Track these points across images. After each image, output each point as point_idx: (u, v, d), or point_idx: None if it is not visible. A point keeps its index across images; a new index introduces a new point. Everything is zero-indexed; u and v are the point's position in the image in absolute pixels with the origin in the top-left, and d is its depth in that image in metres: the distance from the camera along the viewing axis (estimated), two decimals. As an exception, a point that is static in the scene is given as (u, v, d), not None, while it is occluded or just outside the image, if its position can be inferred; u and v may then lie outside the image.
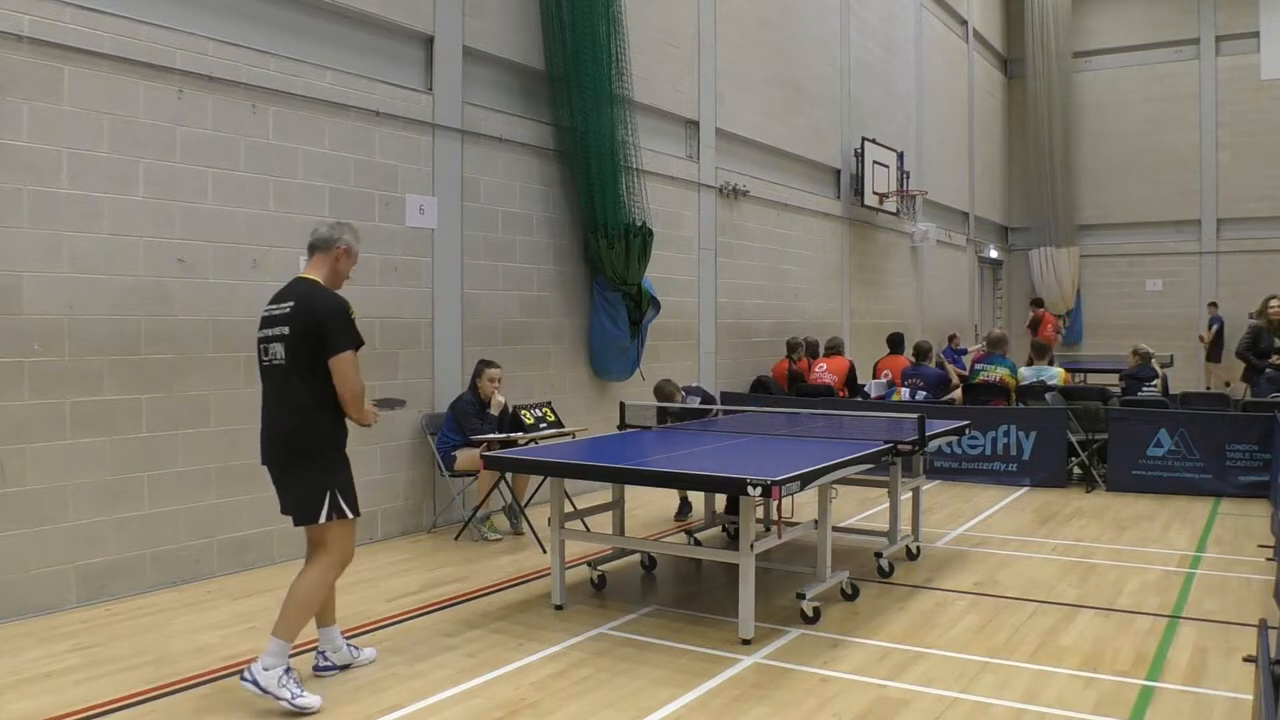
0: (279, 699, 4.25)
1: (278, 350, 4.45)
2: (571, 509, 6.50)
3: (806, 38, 14.59)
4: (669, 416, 8.02)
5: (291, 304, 4.46)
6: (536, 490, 8.07)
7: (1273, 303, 11.24)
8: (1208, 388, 17.83)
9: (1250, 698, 4.20)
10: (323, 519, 4.44)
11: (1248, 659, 3.72)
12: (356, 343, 4.45)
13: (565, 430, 7.97)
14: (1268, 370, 10.87)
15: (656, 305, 10.20)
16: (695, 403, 8.62)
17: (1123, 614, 5.70)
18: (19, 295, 5.60)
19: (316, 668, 4.74)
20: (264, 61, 6.85)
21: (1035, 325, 19.61)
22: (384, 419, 4.88)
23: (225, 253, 6.63)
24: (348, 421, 4.58)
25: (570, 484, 6.77)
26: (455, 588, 6.30)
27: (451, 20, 8.33)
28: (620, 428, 7.62)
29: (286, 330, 4.41)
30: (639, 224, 9.73)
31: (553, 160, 9.47)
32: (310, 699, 4.31)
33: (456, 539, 7.67)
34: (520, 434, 7.63)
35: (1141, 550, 7.33)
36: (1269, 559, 6.89)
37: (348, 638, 4.99)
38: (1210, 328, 19.69)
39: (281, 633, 4.34)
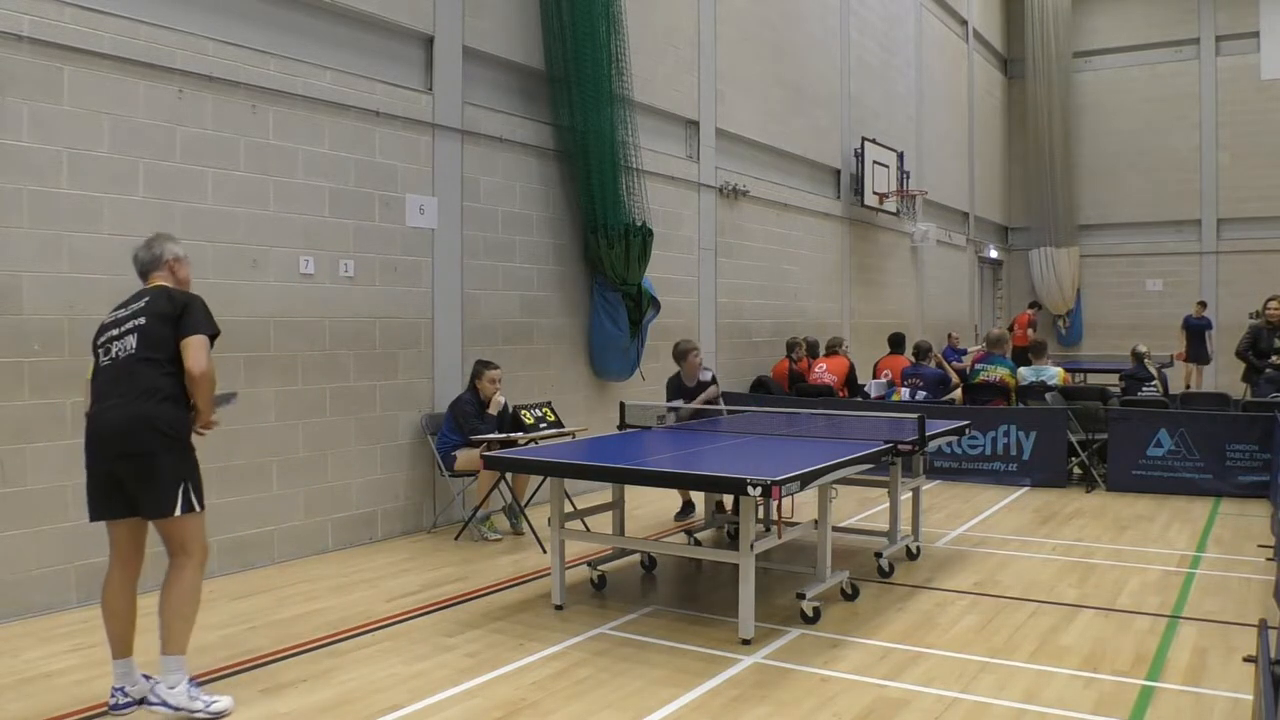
0: (194, 713, 4.17)
1: (129, 342, 4.29)
2: (571, 509, 6.50)
3: (806, 38, 14.59)
4: (681, 389, 8.29)
5: (147, 299, 4.38)
6: (536, 490, 8.07)
7: (1272, 304, 11.25)
8: (1186, 386, 17.61)
9: (1250, 698, 4.20)
10: (177, 512, 4.25)
11: (1248, 659, 3.72)
12: (213, 330, 4.37)
13: (565, 430, 7.97)
14: (1267, 370, 10.87)
15: (656, 305, 10.20)
16: (707, 377, 8.62)
17: (1123, 614, 5.70)
18: (19, 295, 5.60)
19: (113, 707, 4.26)
20: (264, 61, 6.85)
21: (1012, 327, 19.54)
22: (222, 414, 4.71)
23: (225, 253, 6.62)
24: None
25: (570, 484, 6.77)
26: (455, 588, 6.30)
27: (451, 20, 8.33)
28: (620, 428, 7.62)
29: (143, 321, 4.30)
30: (639, 224, 9.73)
31: (553, 160, 9.47)
32: (222, 700, 4.27)
33: (456, 539, 7.67)
34: (520, 434, 7.63)
35: (1141, 550, 7.33)
36: (1269, 559, 6.89)
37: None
38: (1183, 330, 18.71)
39: (171, 649, 4.24)
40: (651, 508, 8.85)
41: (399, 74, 7.97)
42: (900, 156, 16.96)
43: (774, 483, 4.73)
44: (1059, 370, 11.28)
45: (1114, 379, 12.79)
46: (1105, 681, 4.64)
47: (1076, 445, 9.99)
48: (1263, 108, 21.71)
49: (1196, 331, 18.51)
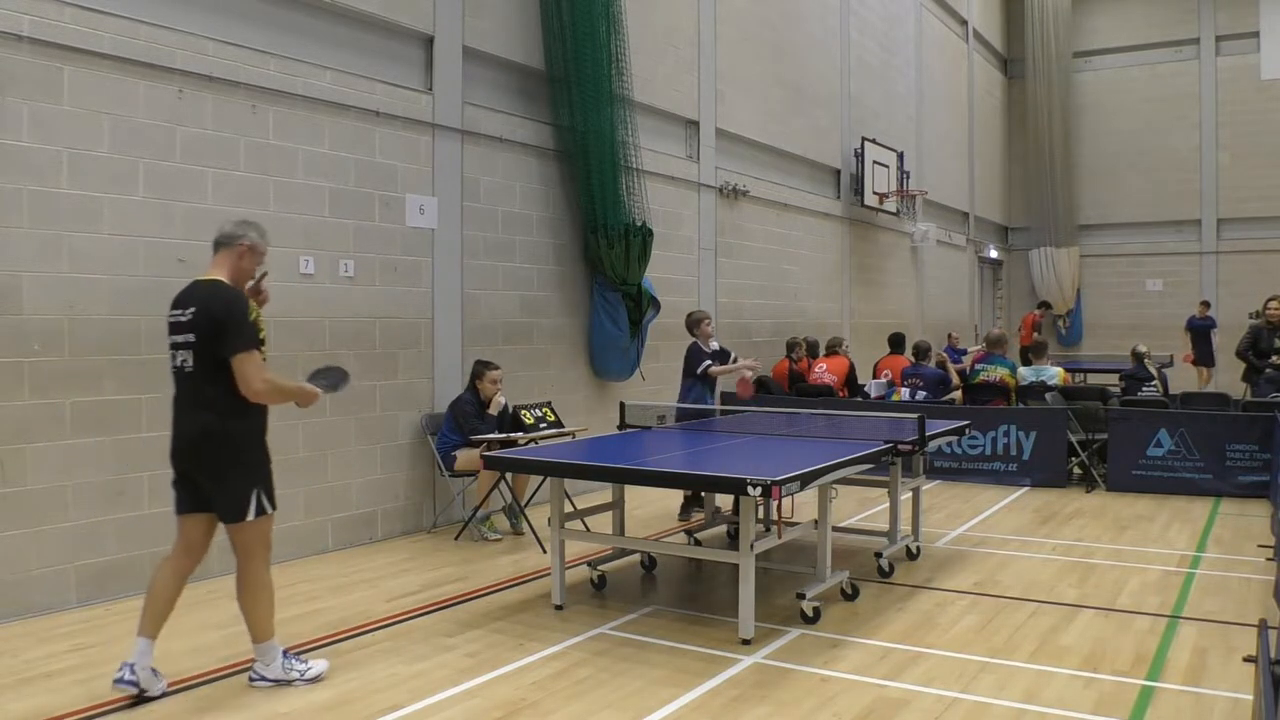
0: (291, 683, 4.55)
1: (188, 359, 4.42)
2: (571, 509, 6.50)
3: (806, 38, 14.59)
4: (703, 353, 8.62)
5: (194, 309, 4.42)
6: (536, 490, 8.07)
7: (1272, 304, 11.25)
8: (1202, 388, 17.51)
9: (1250, 698, 4.20)
10: (249, 517, 4.46)
11: (1248, 659, 3.72)
12: (255, 343, 4.40)
13: (565, 430, 7.97)
14: (1267, 370, 10.87)
15: (656, 305, 10.20)
16: (717, 346, 8.93)
17: (1123, 614, 5.70)
18: (19, 295, 5.60)
19: (117, 681, 4.35)
20: (264, 61, 6.85)
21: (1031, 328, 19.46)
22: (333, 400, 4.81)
23: (225, 253, 6.61)
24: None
25: (570, 484, 6.77)
26: (455, 588, 6.30)
27: (451, 20, 8.33)
28: (620, 428, 7.62)
29: (193, 339, 4.39)
30: (639, 224, 9.73)
31: (553, 160, 9.47)
32: (317, 665, 4.65)
33: (456, 539, 7.67)
34: (520, 434, 7.63)
35: (1141, 550, 7.33)
36: (1269, 559, 6.89)
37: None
38: (1187, 331, 18.49)
39: (259, 638, 4.57)
40: (652, 508, 8.85)
41: (399, 74, 7.97)
42: (900, 156, 16.96)
43: (774, 483, 4.73)
44: (1059, 370, 11.28)
45: (1114, 379, 12.79)
46: (1105, 681, 4.64)
47: (1076, 445, 9.99)
48: (1263, 108, 21.71)
49: (1201, 332, 18.28)
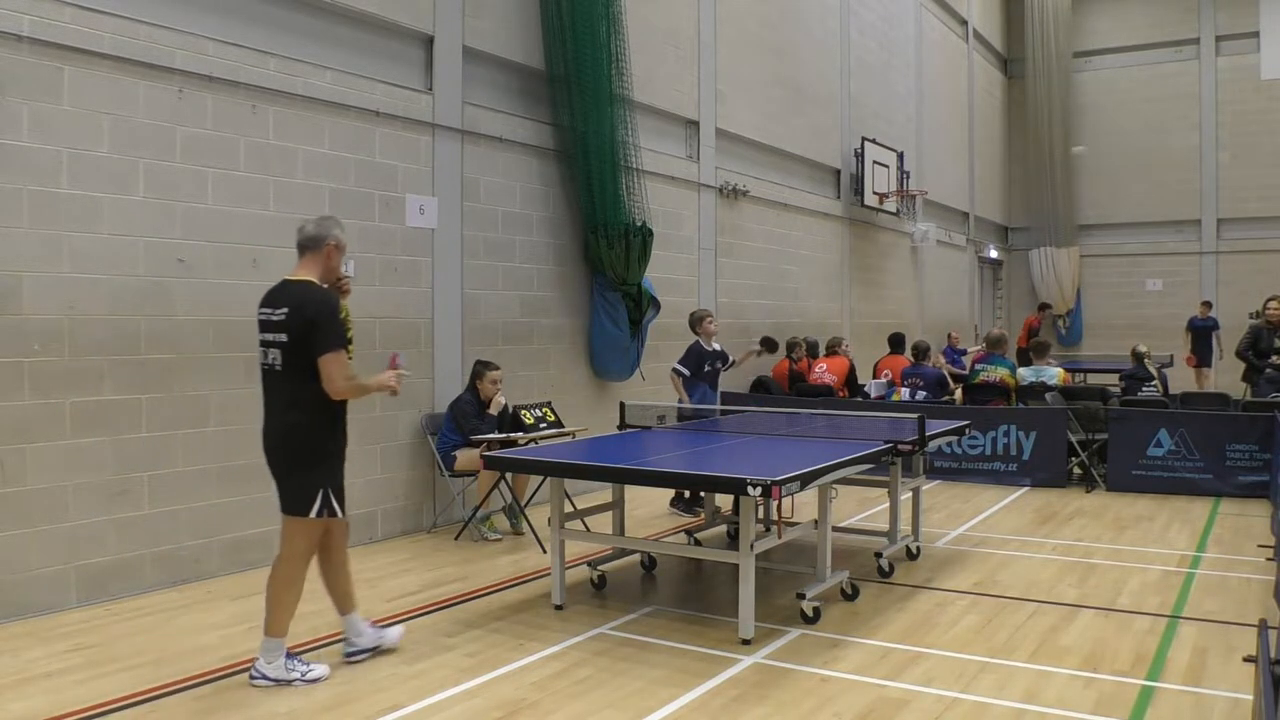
0: (290, 683, 4.56)
1: (276, 357, 4.58)
2: (571, 509, 6.50)
3: (806, 38, 14.59)
4: (706, 354, 8.82)
5: (286, 310, 4.57)
6: (536, 490, 8.07)
7: (1271, 304, 11.25)
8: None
9: (1250, 698, 4.20)
10: (313, 514, 4.62)
11: (1248, 659, 3.72)
12: (343, 343, 4.55)
13: (565, 430, 7.97)
14: (1267, 370, 10.87)
15: (656, 305, 10.20)
16: (719, 347, 9.19)
17: (1123, 614, 5.70)
18: (19, 295, 5.59)
19: (347, 654, 4.90)
20: (264, 61, 6.85)
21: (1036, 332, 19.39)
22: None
23: (225, 253, 6.62)
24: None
25: (570, 484, 6.77)
26: (455, 588, 6.30)
27: (451, 20, 8.33)
28: (620, 428, 7.62)
29: (284, 338, 4.54)
30: (639, 224, 9.73)
31: (553, 160, 9.47)
32: (318, 668, 4.66)
33: (456, 539, 7.67)
34: (520, 434, 7.63)
35: (1141, 550, 7.33)
36: (1269, 559, 6.89)
37: (346, 638, 4.98)
38: (1188, 332, 18.28)
39: (271, 631, 4.63)
40: (651, 508, 8.85)
41: (399, 74, 7.97)
42: (900, 156, 16.96)
43: (774, 483, 4.73)
44: (1059, 370, 11.29)
45: (1114, 379, 12.79)
46: (1105, 681, 4.64)
47: (1076, 445, 9.99)
48: (1263, 108, 21.71)
49: (1202, 333, 18.12)
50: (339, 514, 4.69)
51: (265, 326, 4.63)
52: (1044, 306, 21.33)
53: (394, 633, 5.08)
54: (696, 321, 8.97)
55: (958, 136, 21.25)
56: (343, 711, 4.31)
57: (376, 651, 4.98)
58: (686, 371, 8.76)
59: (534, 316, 9.27)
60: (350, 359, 4.65)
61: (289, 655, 4.66)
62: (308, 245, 4.75)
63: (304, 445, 4.60)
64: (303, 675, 4.61)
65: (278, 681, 4.57)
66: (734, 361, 9.38)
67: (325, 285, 4.73)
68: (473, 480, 7.93)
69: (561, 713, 4.29)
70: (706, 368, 8.84)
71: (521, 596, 6.11)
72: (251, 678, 4.61)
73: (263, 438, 4.69)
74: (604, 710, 4.31)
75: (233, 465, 6.61)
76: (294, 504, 4.62)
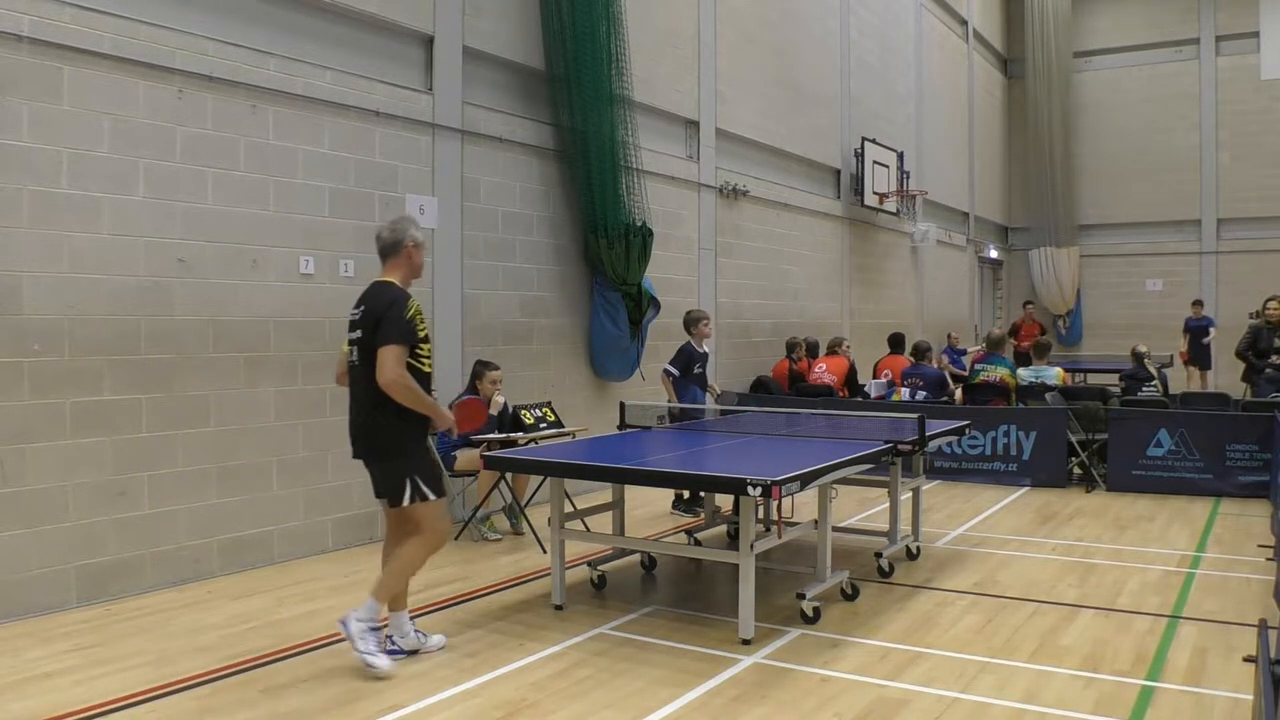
0: (359, 651, 4.68)
1: (356, 353, 4.81)
2: (571, 509, 6.50)
3: (806, 38, 14.59)
4: (695, 355, 8.83)
5: (364, 308, 4.80)
6: (536, 490, 8.07)
7: (1271, 304, 11.25)
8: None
9: (1250, 698, 4.20)
10: (405, 502, 4.76)
11: (1248, 659, 3.72)
12: (404, 339, 4.66)
13: (565, 430, 7.97)
14: (1267, 370, 10.87)
15: (656, 305, 10.20)
16: (709, 348, 9.27)
17: (1123, 614, 5.70)
18: (19, 295, 5.60)
19: (387, 653, 4.92)
20: (264, 61, 6.85)
21: (1015, 332, 19.41)
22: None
23: (225, 253, 6.62)
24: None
25: (570, 484, 6.77)
26: (455, 588, 6.30)
27: (451, 20, 8.33)
28: (620, 428, 7.62)
29: (360, 335, 4.76)
30: (639, 224, 9.73)
31: (553, 160, 9.46)
32: (382, 660, 4.70)
33: (456, 539, 7.67)
34: (520, 434, 7.63)
35: (1141, 550, 7.33)
36: (1269, 559, 6.89)
37: (345, 638, 4.98)
38: (1185, 334, 18.35)
39: (377, 595, 4.78)
40: (652, 508, 8.85)
41: (399, 74, 7.97)
42: (900, 156, 16.96)
43: (774, 483, 4.73)
44: (1059, 370, 11.29)
45: (1114, 379, 12.79)
46: (1105, 681, 4.64)
47: (1076, 445, 9.99)
48: (1263, 108, 21.70)
49: (1198, 333, 18.21)
50: (431, 497, 4.80)
51: (349, 326, 4.87)
52: (1027, 304, 21.32)
53: (435, 640, 5.12)
54: (693, 322, 8.95)
55: (958, 136, 21.25)
56: (343, 711, 4.31)
57: (412, 655, 4.98)
58: (676, 372, 8.71)
59: (534, 316, 9.27)
60: (428, 357, 4.82)
61: (375, 630, 4.73)
62: (388, 251, 4.92)
63: (385, 439, 4.76)
64: (371, 653, 4.69)
65: (349, 639, 4.70)
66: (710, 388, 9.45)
67: (407, 284, 4.91)
68: (473, 480, 7.93)
69: (561, 713, 4.29)
70: (696, 369, 8.82)
71: (521, 596, 6.11)
72: (341, 620, 4.76)
73: (350, 432, 4.90)
74: (604, 710, 4.31)
75: (232, 465, 6.61)
76: (390, 494, 4.83)
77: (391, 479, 4.80)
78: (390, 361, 4.60)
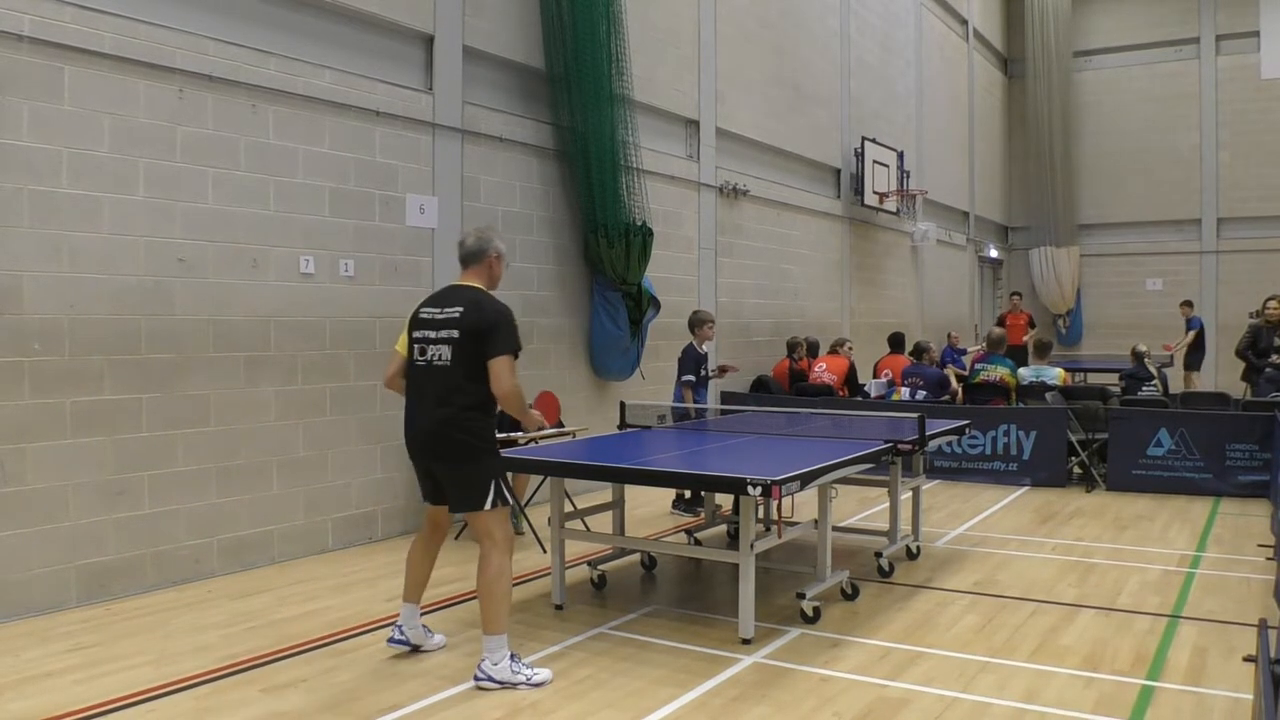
0: (519, 685, 4.53)
1: (444, 352, 4.66)
2: (571, 509, 6.50)
3: (806, 38, 14.59)
4: (699, 357, 8.77)
5: (461, 309, 4.68)
6: (536, 490, 8.07)
7: (1271, 303, 11.25)
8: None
9: (1250, 698, 4.20)
10: (488, 506, 4.64)
11: (1248, 659, 3.72)
12: (516, 348, 4.68)
13: (565, 430, 7.97)
14: (1267, 370, 10.87)
15: (656, 305, 10.20)
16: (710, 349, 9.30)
17: (1123, 614, 5.70)
18: (19, 295, 5.60)
19: (391, 640, 4.97)
20: (264, 61, 6.85)
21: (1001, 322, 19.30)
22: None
23: (225, 253, 6.62)
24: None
25: (570, 483, 6.77)
26: (455, 587, 6.30)
27: (451, 20, 8.33)
28: (620, 428, 7.62)
29: (457, 335, 4.64)
30: (639, 224, 9.72)
31: (553, 160, 9.46)
32: (542, 673, 4.62)
33: (456, 539, 7.66)
34: (520, 434, 7.63)
35: (1141, 550, 7.33)
36: (1269, 559, 6.89)
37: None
38: (1186, 332, 18.03)
39: (490, 629, 4.60)
40: (652, 507, 8.85)
41: (399, 74, 7.97)
42: (900, 156, 16.96)
43: (774, 483, 4.73)
44: (1059, 370, 11.29)
45: (1114, 379, 12.79)
46: (1105, 681, 4.64)
47: (1076, 445, 10.00)
48: (1263, 108, 21.70)
49: (1198, 335, 18.14)
50: (509, 501, 4.74)
51: (430, 324, 4.73)
52: (1015, 294, 21.27)
53: (435, 640, 5.10)
54: (698, 324, 8.93)
55: (958, 136, 21.25)
56: (343, 711, 4.31)
57: (414, 650, 5.00)
58: (693, 379, 8.71)
59: (534, 316, 9.26)
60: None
61: (513, 658, 4.61)
62: (470, 259, 4.90)
63: (475, 442, 4.64)
64: (528, 680, 4.55)
65: (503, 684, 4.52)
66: (717, 369, 9.44)
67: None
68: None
69: (561, 712, 4.29)
70: (703, 371, 8.83)
71: (521, 596, 6.11)
72: (476, 679, 4.56)
73: (412, 432, 4.75)
74: (604, 710, 4.31)
75: (233, 465, 6.61)
76: (468, 500, 4.67)
77: (476, 482, 4.64)
78: (507, 371, 4.59)
